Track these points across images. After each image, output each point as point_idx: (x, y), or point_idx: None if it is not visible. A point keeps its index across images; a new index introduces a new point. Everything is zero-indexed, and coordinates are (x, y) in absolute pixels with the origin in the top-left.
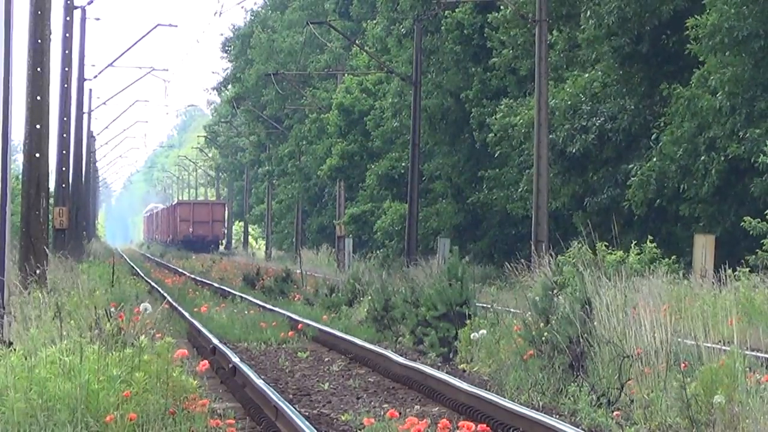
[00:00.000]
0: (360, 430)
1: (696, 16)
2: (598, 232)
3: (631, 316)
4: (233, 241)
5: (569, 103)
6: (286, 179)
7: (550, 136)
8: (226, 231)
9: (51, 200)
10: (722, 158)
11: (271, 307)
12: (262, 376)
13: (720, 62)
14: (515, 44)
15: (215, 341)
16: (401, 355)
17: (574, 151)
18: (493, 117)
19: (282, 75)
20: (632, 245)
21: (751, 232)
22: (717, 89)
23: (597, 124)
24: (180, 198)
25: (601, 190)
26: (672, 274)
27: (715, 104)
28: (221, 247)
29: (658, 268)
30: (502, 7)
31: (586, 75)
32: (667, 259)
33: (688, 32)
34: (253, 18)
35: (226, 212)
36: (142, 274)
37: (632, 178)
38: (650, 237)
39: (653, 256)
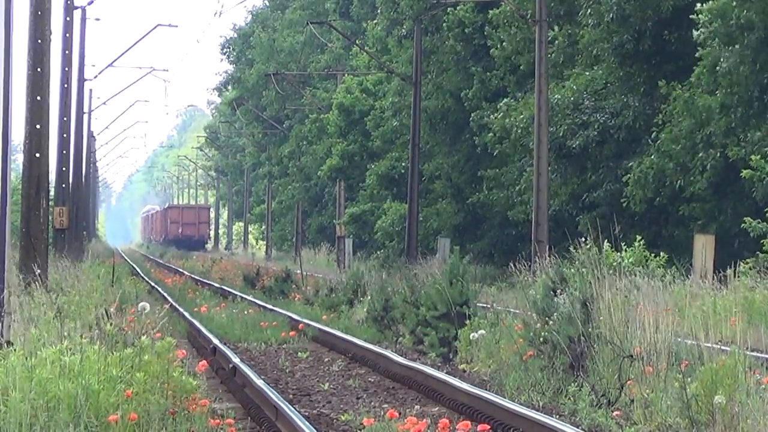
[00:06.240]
0: (360, 430)
1: (702, 3)
2: (600, 232)
3: (633, 316)
4: (233, 241)
5: (571, 99)
6: (287, 179)
7: (551, 129)
8: (210, 232)
9: (51, 200)
10: (718, 155)
11: (271, 307)
12: (262, 377)
13: (720, 53)
14: (514, 42)
15: (215, 341)
16: (401, 355)
17: (574, 145)
18: (493, 116)
19: (282, 75)
20: (623, 246)
21: (750, 233)
22: (716, 85)
23: (600, 120)
24: (180, 199)
25: (600, 187)
26: (673, 273)
27: (711, 102)
28: (209, 246)
29: (656, 269)
30: (502, 4)
31: (587, 74)
32: (657, 258)
33: (693, 17)
34: (254, 18)
35: (211, 215)
36: (142, 274)
37: (628, 175)
38: (638, 237)
39: (644, 256)
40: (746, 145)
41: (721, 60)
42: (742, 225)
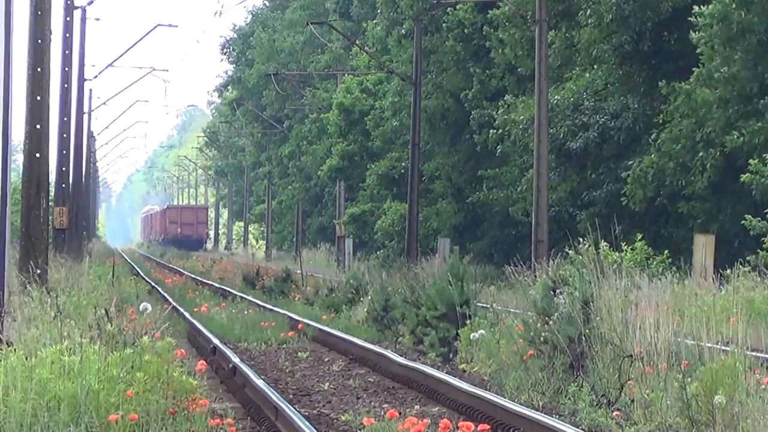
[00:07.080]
0: (360, 430)
1: (701, 6)
2: (600, 232)
3: (633, 316)
4: (233, 241)
5: (571, 99)
6: (287, 179)
7: (551, 130)
8: (208, 231)
9: (51, 200)
10: (718, 154)
11: (271, 307)
12: (262, 377)
13: (720, 55)
14: (514, 42)
15: (215, 341)
16: (401, 355)
17: (575, 147)
18: (496, 112)
19: (282, 75)
20: (624, 245)
21: (750, 231)
22: (716, 84)
23: (600, 122)
24: (180, 199)
25: (600, 187)
26: (673, 273)
27: (711, 97)
28: (209, 245)
29: (655, 268)
30: (501, 5)
31: (587, 75)
32: (660, 257)
33: (691, 19)
34: (254, 18)
35: (210, 215)
36: (142, 274)
37: (627, 172)
38: (639, 236)
39: (646, 255)
40: (745, 134)
41: (720, 62)
42: (742, 222)
